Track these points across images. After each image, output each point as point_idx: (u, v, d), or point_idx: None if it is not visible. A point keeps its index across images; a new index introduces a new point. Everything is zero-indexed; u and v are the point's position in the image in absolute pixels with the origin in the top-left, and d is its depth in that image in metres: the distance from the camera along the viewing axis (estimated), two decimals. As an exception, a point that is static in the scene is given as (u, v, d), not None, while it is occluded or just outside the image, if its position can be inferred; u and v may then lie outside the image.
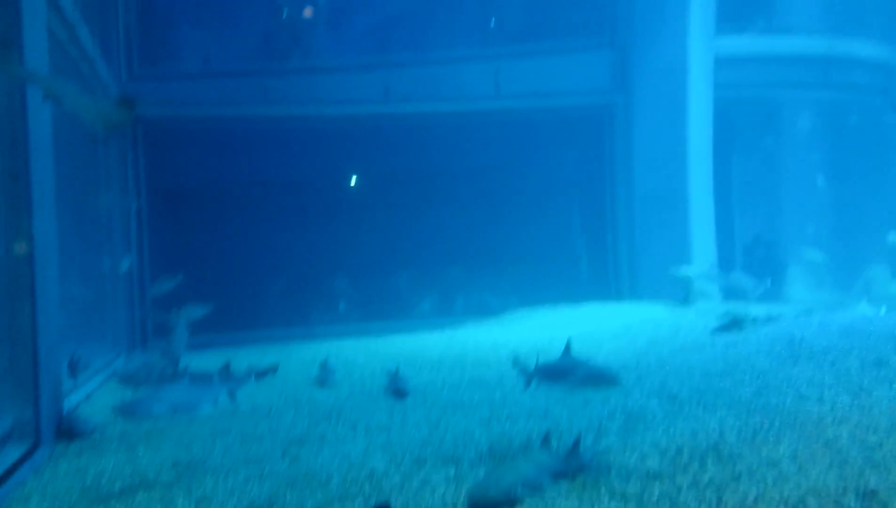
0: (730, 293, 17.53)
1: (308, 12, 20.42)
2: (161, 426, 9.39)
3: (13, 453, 7.86)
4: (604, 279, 20.40)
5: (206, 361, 13.67)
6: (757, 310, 14.12)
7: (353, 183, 21.18)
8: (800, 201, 23.67)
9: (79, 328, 13.15)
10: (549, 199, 21.21)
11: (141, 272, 16.99)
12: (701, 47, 18.49)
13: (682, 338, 13.21)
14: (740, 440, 7.12)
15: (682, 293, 16.82)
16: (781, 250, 21.80)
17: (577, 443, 6.77)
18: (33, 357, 8.47)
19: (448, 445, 7.67)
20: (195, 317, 12.27)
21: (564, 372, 7.86)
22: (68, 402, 9.96)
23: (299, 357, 15.08)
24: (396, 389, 10.25)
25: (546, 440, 6.81)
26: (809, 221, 23.53)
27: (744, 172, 23.12)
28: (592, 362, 8.71)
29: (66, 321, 10.93)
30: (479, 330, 17.87)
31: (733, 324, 12.94)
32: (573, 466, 6.46)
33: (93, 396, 11.41)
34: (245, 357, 14.97)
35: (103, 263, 15.35)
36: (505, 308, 19.53)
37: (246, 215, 19.57)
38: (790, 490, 5.67)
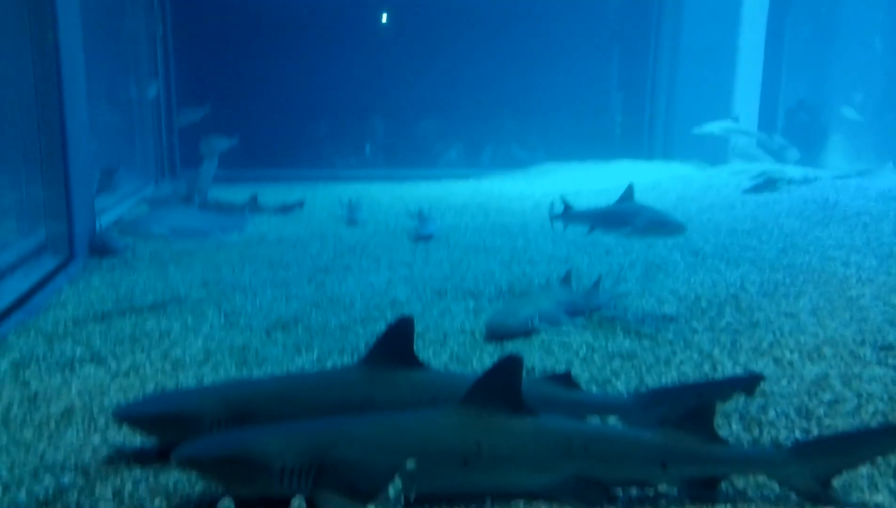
0: (768, 156, 17.03)
1: None
2: (191, 248, 9.66)
3: (49, 263, 8.17)
4: (637, 137, 19.84)
5: (234, 194, 13.82)
6: (793, 172, 13.75)
7: (385, 21, 20.26)
8: (852, 65, 22.30)
9: (108, 154, 13.22)
10: (586, 50, 20.20)
11: (168, 100, 16.79)
12: None
13: (713, 196, 13.02)
14: (760, 293, 7.14)
15: (716, 153, 16.38)
16: (825, 116, 20.87)
17: (596, 283, 6.83)
18: (65, 172, 8.58)
19: (469, 282, 7.81)
20: (221, 148, 12.19)
21: (623, 218, 6.61)
22: (100, 222, 10.20)
23: (325, 196, 15.19)
24: (420, 232, 10.30)
25: (566, 279, 6.87)
26: (859, 88, 22.27)
27: (797, 31, 21.68)
28: (655, 208, 6.97)
29: (96, 146, 10.96)
30: (504, 181, 17.73)
31: (767, 184, 12.64)
32: (590, 304, 6.55)
33: (123, 219, 11.67)
34: (271, 193, 15.10)
35: (131, 89, 15.16)
36: (532, 161, 19.26)
37: (275, 49, 18.95)
38: (806, 339, 5.72)
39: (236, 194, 13.95)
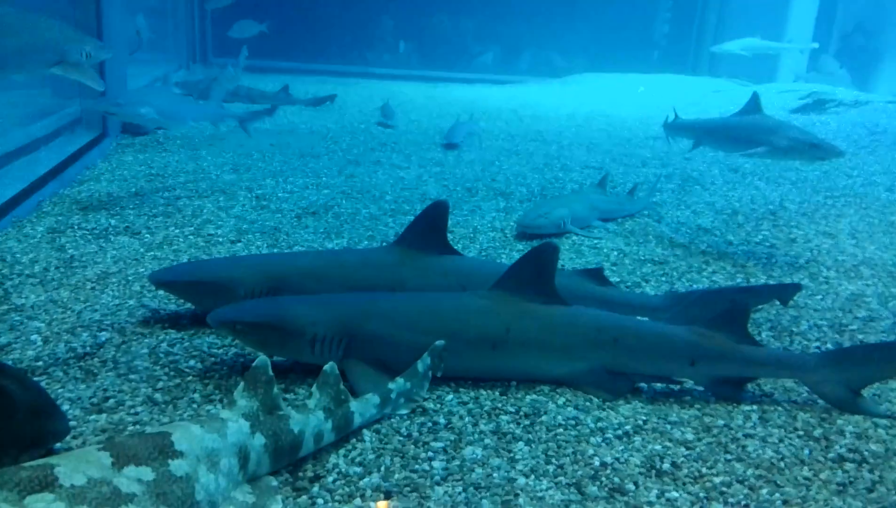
0: (818, 77, 16.29)
1: None
2: (223, 134, 9.63)
3: (83, 137, 8.17)
4: (682, 51, 19.05)
5: (266, 84, 13.62)
6: (843, 94, 13.17)
7: None
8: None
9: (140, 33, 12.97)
10: (637, -46, 19.15)
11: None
12: None
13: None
14: (800, 212, 6.97)
15: (763, 71, 15.70)
16: (881, 41, 19.78)
17: (631, 191, 6.69)
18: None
19: (500, 183, 7.70)
20: (251, 33, 11.86)
21: (751, 134, 5.18)
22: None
23: (357, 93, 14.93)
24: (448, 139, 10.01)
25: (601, 183, 6.74)
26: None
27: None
28: (796, 125, 5.50)
29: (126, 23, 10.73)
30: (541, 88, 17.27)
31: (815, 105, 12.15)
32: (624, 211, 6.45)
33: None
34: (302, 85, 14.86)
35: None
36: (571, 70, 18.64)
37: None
38: (844, 258, 5.60)
39: (268, 84, 13.76)
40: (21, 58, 4.67)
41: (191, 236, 5.51)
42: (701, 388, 3.48)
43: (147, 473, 2.26)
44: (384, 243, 5.44)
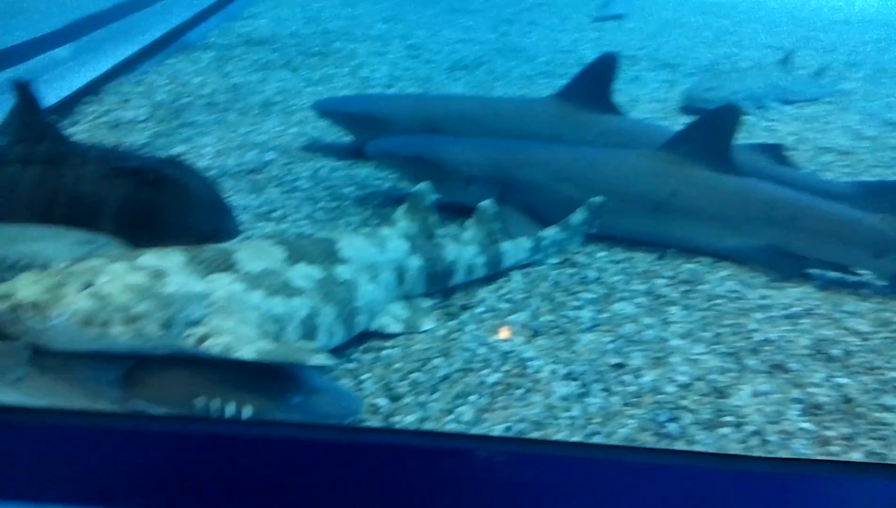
0: None
1: None
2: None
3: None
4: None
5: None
6: None
7: None
8: None
9: None
10: None
11: None
12: None
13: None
14: None
15: None
16: None
17: (817, 74, 6.00)
18: None
19: (664, 54, 7.14)
20: None
21: None
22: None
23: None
24: (605, 11, 9.17)
25: (783, 62, 6.08)
26: None
27: None
28: None
29: None
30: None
31: None
32: (806, 94, 5.81)
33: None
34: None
35: None
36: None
37: None
38: None
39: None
40: None
41: (346, 77, 5.54)
42: (883, 283, 3.17)
43: (316, 272, 2.35)
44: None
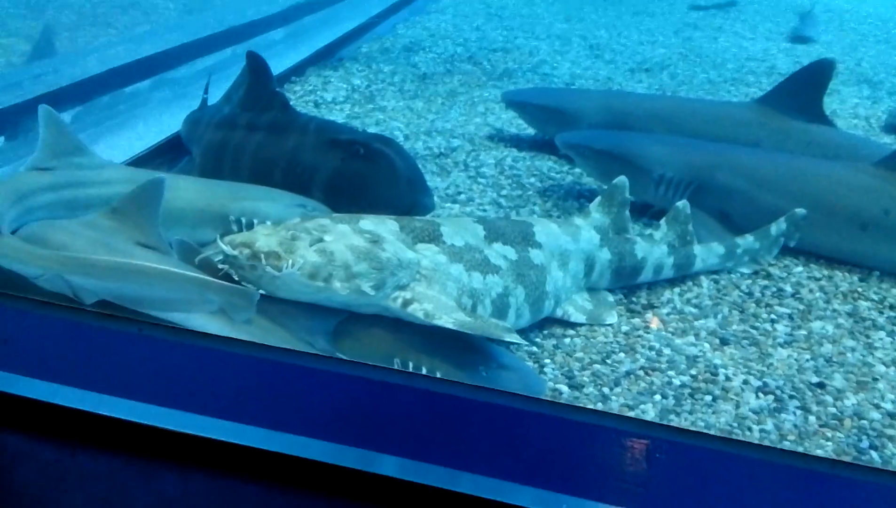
0: None
1: None
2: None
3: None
4: None
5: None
6: None
7: None
8: None
9: None
10: None
11: None
12: None
13: None
14: None
15: None
16: None
17: None
18: None
19: (865, 69, 6.60)
20: None
21: None
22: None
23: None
24: (799, 32, 8.47)
25: None
26: None
27: None
28: None
29: None
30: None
31: None
32: None
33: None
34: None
35: None
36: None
37: None
38: None
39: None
40: None
41: (528, 73, 5.60)
42: None
43: (511, 252, 2.42)
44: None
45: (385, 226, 2.24)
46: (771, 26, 8.13)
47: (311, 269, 2.04)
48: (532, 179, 3.66)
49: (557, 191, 3.57)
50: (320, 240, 2.09)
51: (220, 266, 2.05)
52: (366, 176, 2.80)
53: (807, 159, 3.32)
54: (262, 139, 3.01)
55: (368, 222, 2.23)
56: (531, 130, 4.19)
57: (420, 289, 2.17)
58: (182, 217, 2.56)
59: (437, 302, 2.15)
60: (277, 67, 4.59)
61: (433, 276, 2.21)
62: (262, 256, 2.02)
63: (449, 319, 2.09)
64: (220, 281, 2.02)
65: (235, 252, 2.02)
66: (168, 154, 3.35)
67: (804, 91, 3.55)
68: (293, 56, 4.85)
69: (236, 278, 2.06)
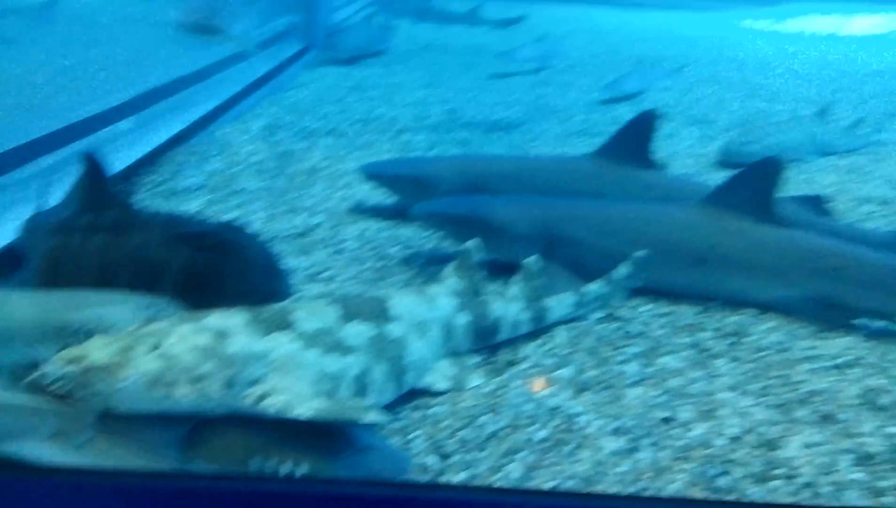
0: None
1: None
2: (415, 51, 9.90)
3: (291, 49, 8.72)
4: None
5: (454, 4, 13.66)
6: None
7: None
8: None
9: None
10: None
11: None
12: None
13: None
14: None
15: None
16: None
17: (855, 124, 6.02)
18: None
19: (698, 110, 7.24)
20: None
21: None
22: (336, 18, 10.61)
23: (547, 15, 14.54)
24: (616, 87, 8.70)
25: (820, 114, 6.10)
26: None
27: None
28: None
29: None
30: (748, 15, 15.85)
31: None
32: (844, 146, 5.82)
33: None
34: (491, 7, 14.72)
35: None
36: (786, 0, 16.84)
37: None
38: None
39: (458, 5, 13.80)
40: None
41: (388, 142, 5.75)
42: (932, 332, 3.12)
43: (368, 330, 2.44)
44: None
45: (232, 320, 2.20)
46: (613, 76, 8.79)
47: (152, 378, 1.97)
48: (394, 249, 3.73)
49: (420, 258, 3.66)
50: (159, 345, 2.03)
51: (51, 387, 1.94)
52: (217, 269, 2.75)
53: (643, 204, 3.59)
54: (105, 241, 2.90)
55: (214, 319, 2.18)
56: (393, 199, 4.29)
57: (274, 382, 2.14)
58: (15, 336, 2.41)
59: (292, 393, 2.12)
60: (127, 158, 4.48)
61: (287, 365, 2.19)
62: (97, 370, 1.94)
63: (307, 409, 2.07)
64: (52, 403, 1.91)
65: (67, 369, 1.93)
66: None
67: (635, 140, 3.86)
68: (144, 145, 4.73)
69: (71, 397, 1.95)
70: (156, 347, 2.04)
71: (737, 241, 3.22)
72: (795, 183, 5.15)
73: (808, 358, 2.87)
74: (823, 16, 15.33)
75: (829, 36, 13.59)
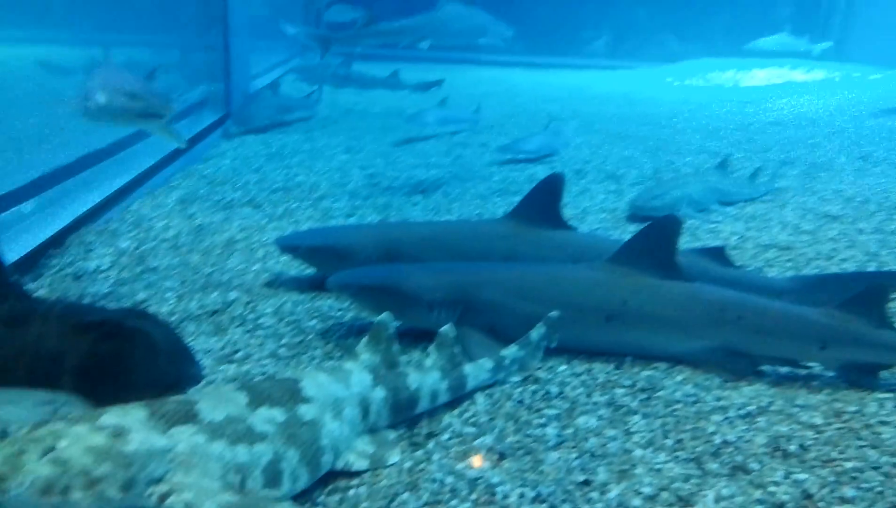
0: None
1: None
2: (336, 117, 9.98)
3: (208, 118, 8.67)
4: (808, 35, 17.88)
5: (375, 71, 13.91)
6: None
7: None
8: None
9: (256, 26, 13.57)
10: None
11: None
12: None
13: (891, 103, 11.66)
14: (941, 202, 6.41)
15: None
16: None
17: (753, 175, 6.38)
18: (224, 37, 8.97)
19: (610, 165, 7.53)
20: (345, 18, 11.95)
21: None
22: (254, 86, 10.63)
23: (463, 78, 15.00)
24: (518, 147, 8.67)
25: (720, 166, 6.46)
26: None
27: None
28: None
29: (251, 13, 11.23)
30: (654, 73, 16.74)
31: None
32: (744, 195, 6.16)
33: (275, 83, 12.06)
34: (410, 72, 15.06)
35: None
36: (686, 55, 17.92)
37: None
38: None
39: (378, 70, 14.05)
40: None
41: (308, 210, 5.74)
42: (831, 373, 3.28)
43: (279, 414, 2.38)
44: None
45: (130, 416, 2.11)
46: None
47: (44, 484, 1.86)
48: (313, 322, 3.68)
49: (339, 330, 3.62)
50: (52, 448, 1.93)
51: (-72, 505, 1.81)
52: (120, 358, 2.65)
53: (553, 266, 3.68)
54: (0, 335, 2.76)
55: (110, 416, 2.09)
56: (310, 270, 4.25)
57: (177, 478, 2.05)
58: None
59: (198, 489, 2.04)
60: (30, 242, 4.30)
61: (191, 460, 2.11)
62: (-18, 481, 1.81)
63: (213, 505, 1.99)
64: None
65: (-53, 484, 1.80)
66: None
67: (544, 202, 3.97)
68: (49, 228, 4.56)
69: (-47, 514, 1.82)
70: (48, 450, 1.93)
71: (643, 297, 3.33)
72: (701, 233, 5.42)
73: (718, 409, 2.97)
74: (722, 71, 16.35)
75: (731, 88, 14.50)
